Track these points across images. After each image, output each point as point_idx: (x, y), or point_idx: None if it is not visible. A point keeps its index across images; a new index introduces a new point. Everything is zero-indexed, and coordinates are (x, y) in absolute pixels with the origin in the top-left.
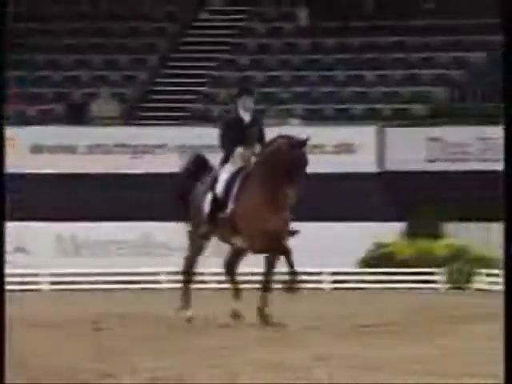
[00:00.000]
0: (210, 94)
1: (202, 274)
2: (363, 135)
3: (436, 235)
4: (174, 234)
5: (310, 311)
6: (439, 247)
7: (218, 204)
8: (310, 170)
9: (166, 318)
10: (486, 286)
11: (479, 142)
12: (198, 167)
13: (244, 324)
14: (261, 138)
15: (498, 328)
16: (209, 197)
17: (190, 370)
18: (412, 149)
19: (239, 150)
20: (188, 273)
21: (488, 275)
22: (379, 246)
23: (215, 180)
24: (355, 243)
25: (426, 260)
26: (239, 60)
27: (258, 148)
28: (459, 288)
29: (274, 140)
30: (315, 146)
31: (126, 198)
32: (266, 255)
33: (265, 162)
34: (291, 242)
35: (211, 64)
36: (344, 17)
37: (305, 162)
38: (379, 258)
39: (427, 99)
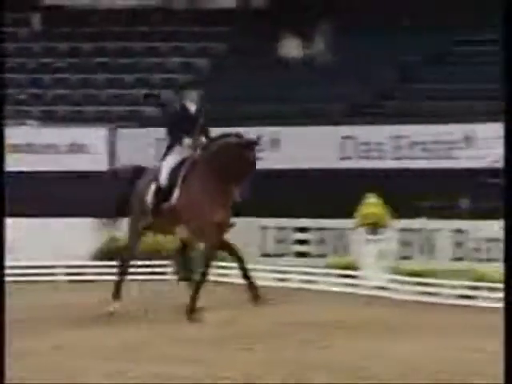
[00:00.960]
0: None
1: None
2: (95, 136)
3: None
4: None
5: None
6: (173, 240)
7: (162, 194)
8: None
9: None
10: (214, 278)
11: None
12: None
13: None
14: (205, 129)
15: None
16: (152, 187)
17: None
18: (143, 148)
19: (186, 140)
20: (124, 265)
21: (220, 267)
22: (113, 239)
23: (159, 170)
24: (89, 237)
25: (161, 252)
26: None
27: (203, 140)
28: (188, 279)
29: (223, 136)
30: (49, 146)
31: None
32: (204, 247)
33: (213, 156)
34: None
35: None
36: (75, 22)
37: (253, 163)
38: (113, 252)
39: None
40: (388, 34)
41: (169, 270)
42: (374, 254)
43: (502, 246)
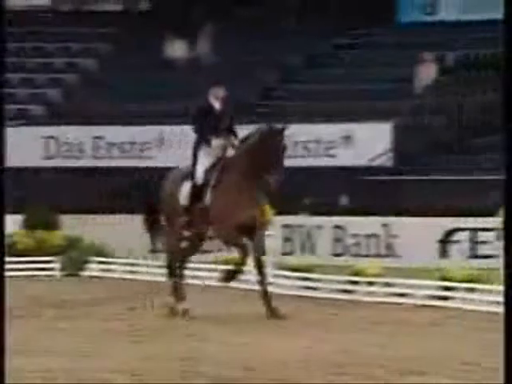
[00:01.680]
0: None
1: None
2: None
3: (52, 226)
4: None
5: None
6: (55, 238)
7: (197, 193)
8: None
9: None
10: (99, 273)
11: (94, 140)
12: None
13: None
14: (231, 126)
15: (103, 310)
16: (186, 187)
17: None
18: (30, 146)
19: (215, 141)
20: (171, 267)
21: (100, 263)
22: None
23: (193, 170)
24: None
25: (44, 249)
26: None
27: (232, 138)
28: (74, 275)
29: (255, 132)
30: None
31: None
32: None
33: (246, 153)
34: None
35: None
36: None
37: (283, 149)
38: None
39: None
40: (270, 36)
41: (55, 266)
42: None
43: (379, 241)
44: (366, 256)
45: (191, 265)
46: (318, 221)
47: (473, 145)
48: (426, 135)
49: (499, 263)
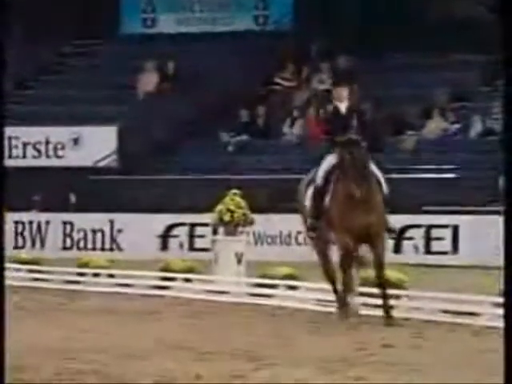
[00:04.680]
0: None
1: None
2: None
3: None
4: None
5: None
6: None
7: (318, 197)
8: None
9: None
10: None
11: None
12: None
13: None
14: (362, 128)
15: None
16: (310, 190)
17: None
18: None
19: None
20: (328, 271)
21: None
22: None
23: (316, 174)
24: None
25: None
26: None
27: (354, 141)
28: None
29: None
30: None
31: None
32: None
33: (352, 161)
34: None
35: None
36: None
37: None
38: None
39: None
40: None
41: None
42: None
43: (105, 235)
44: (93, 249)
45: None
46: (48, 216)
47: (187, 147)
48: (149, 137)
49: (212, 256)
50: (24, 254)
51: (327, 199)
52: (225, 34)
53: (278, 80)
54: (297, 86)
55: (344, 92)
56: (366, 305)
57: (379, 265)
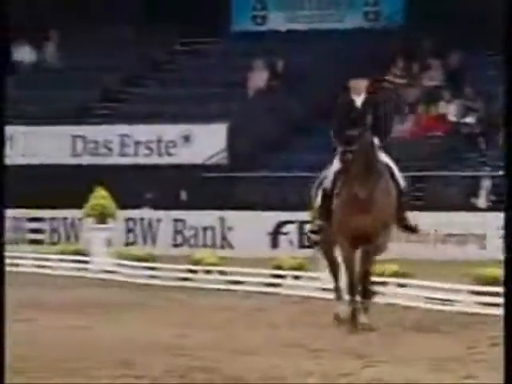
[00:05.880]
0: None
1: None
2: None
3: None
4: None
5: None
6: None
7: (328, 199)
8: None
9: None
10: None
11: None
12: None
13: None
14: (378, 123)
15: None
16: (320, 192)
17: None
18: None
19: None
20: (334, 273)
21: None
22: None
23: (326, 175)
24: None
25: None
26: None
27: (368, 135)
28: None
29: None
30: None
31: None
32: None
33: (355, 160)
34: None
35: None
36: None
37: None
38: None
39: None
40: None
41: None
42: (102, 241)
43: (215, 232)
44: (204, 246)
45: None
46: (159, 214)
47: (296, 144)
48: (258, 135)
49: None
50: (135, 250)
51: (334, 201)
52: (334, 31)
53: (388, 77)
54: (407, 83)
55: (362, 84)
56: (479, 303)
57: (365, 261)
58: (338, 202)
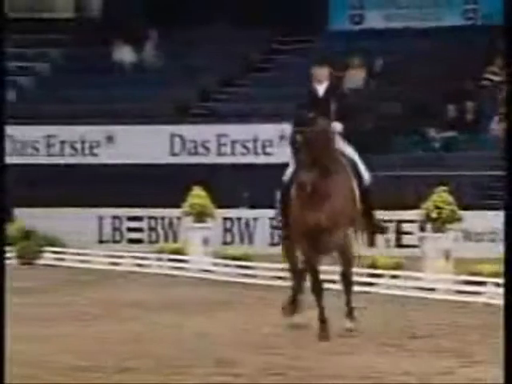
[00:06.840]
0: None
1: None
2: None
3: (8, 219)
4: None
5: None
6: (11, 229)
7: (284, 194)
8: None
9: None
10: (52, 262)
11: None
12: None
13: None
14: (341, 112)
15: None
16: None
17: None
18: None
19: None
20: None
21: (54, 252)
22: None
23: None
24: None
25: None
26: None
27: (338, 126)
28: (29, 263)
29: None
30: None
31: None
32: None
33: (305, 151)
34: None
35: None
36: None
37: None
38: None
39: None
40: (209, 42)
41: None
42: (200, 240)
43: None
44: None
45: None
46: (255, 213)
47: (393, 143)
48: (355, 134)
49: (420, 252)
50: (232, 249)
51: (291, 193)
52: (431, 29)
53: (487, 75)
54: (506, 81)
55: (323, 72)
56: None
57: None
58: (292, 193)
